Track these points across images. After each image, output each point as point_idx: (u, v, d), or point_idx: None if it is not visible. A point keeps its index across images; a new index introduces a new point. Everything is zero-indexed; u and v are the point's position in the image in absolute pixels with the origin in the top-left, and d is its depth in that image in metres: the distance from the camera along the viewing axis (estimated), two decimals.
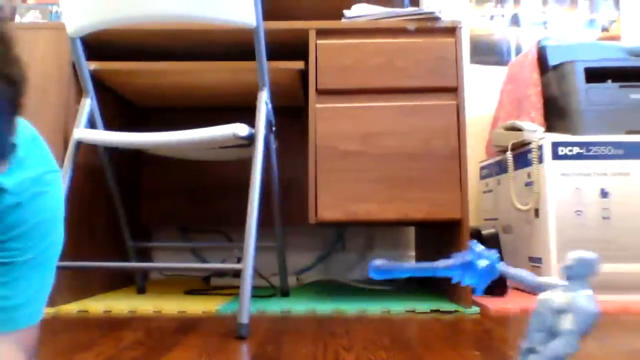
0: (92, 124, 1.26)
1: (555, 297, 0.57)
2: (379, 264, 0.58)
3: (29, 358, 0.56)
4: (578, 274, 0.57)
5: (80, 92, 1.28)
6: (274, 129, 1.31)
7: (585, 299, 0.56)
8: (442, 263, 0.57)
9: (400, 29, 1.36)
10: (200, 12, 1.07)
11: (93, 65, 1.35)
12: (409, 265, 0.58)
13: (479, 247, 0.58)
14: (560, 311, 0.56)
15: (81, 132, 1.19)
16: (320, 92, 1.34)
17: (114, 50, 1.52)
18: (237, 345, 0.89)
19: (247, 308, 0.97)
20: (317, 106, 1.33)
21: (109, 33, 1.31)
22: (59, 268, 0.57)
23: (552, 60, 1.59)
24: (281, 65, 1.37)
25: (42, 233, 0.53)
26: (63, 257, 0.58)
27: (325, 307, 1.25)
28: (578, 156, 1.41)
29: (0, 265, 0.51)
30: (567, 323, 0.56)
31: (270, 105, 1.23)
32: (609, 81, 1.50)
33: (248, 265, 1.01)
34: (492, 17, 2.08)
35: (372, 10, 1.41)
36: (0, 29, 0.35)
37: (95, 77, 1.39)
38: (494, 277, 0.57)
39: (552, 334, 0.57)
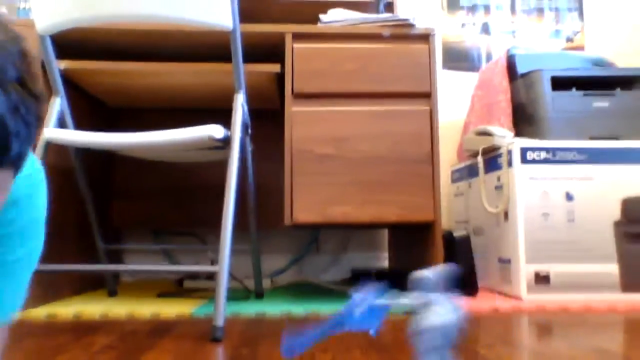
0: (62, 124, 1.23)
1: (417, 318, 0.56)
2: (289, 343, 0.58)
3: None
4: (423, 289, 0.56)
5: (50, 91, 1.25)
6: (249, 131, 1.30)
7: (438, 312, 0.54)
8: (337, 318, 0.57)
9: (376, 35, 1.38)
10: (176, 13, 1.06)
11: (63, 64, 1.31)
12: (315, 331, 0.58)
13: (358, 295, 0.57)
14: (424, 332, 0.55)
15: (51, 132, 1.16)
16: (296, 96, 1.35)
17: (85, 49, 1.48)
18: (212, 348, 0.89)
19: (222, 311, 0.97)
20: (293, 110, 1.34)
21: (80, 31, 1.28)
22: None
23: (521, 69, 1.64)
24: (257, 68, 1.37)
25: (30, 234, 0.53)
26: None
27: (300, 309, 1.26)
28: (545, 161, 1.46)
29: None
30: (431, 341, 0.54)
31: (246, 108, 1.23)
32: (574, 89, 1.56)
33: (224, 268, 1.00)
34: (463, 25, 2.13)
35: (347, 16, 1.43)
36: (23, 47, 0.36)
37: (66, 76, 1.36)
38: (385, 312, 0.57)
39: (431, 354, 0.55)
